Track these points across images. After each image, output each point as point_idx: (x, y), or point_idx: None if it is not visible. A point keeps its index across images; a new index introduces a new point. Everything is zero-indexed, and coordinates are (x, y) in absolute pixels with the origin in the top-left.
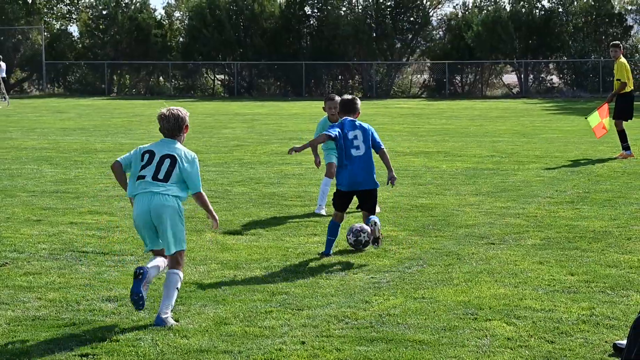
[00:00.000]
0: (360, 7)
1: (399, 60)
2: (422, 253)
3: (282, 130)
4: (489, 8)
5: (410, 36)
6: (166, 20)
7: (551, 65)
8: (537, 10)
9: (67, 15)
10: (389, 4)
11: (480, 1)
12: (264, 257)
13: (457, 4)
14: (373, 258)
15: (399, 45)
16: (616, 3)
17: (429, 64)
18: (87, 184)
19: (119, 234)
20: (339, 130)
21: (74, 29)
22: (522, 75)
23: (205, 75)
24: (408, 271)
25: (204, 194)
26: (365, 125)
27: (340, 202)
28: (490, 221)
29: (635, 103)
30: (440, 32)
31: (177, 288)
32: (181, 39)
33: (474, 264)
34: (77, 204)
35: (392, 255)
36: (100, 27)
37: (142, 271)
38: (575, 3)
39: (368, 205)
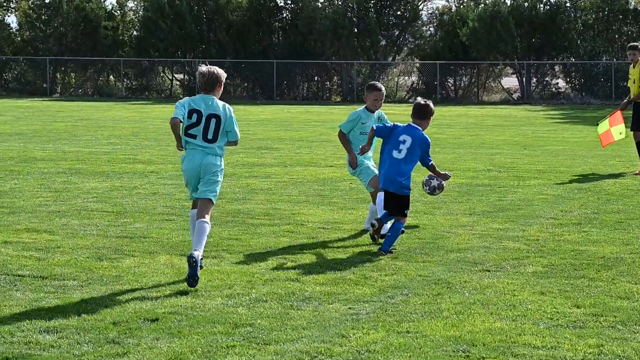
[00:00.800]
0: None
1: (383, 60)
2: (407, 281)
3: (250, 138)
4: (487, 1)
5: (396, 32)
6: (118, 11)
7: (557, 68)
8: (541, 5)
9: (4, 4)
10: None
11: None
12: (226, 283)
13: None
14: (351, 286)
15: (383, 42)
16: None
17: (417, 65)
18: (25, 198)
19: (59, 256)
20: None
21: (11, 20)
22: (524, 79)
23: (161, 74)
24: (391, 301)
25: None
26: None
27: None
28: (485, 245)
29: None
30: (431, 29)
31: (207, 233)
32: (135, 33)
33: (466, 293)
34: (12, 220)
35: (372, 282)
36: (42, 17)
37: (194, 260)
38: None
39: (393, 207)
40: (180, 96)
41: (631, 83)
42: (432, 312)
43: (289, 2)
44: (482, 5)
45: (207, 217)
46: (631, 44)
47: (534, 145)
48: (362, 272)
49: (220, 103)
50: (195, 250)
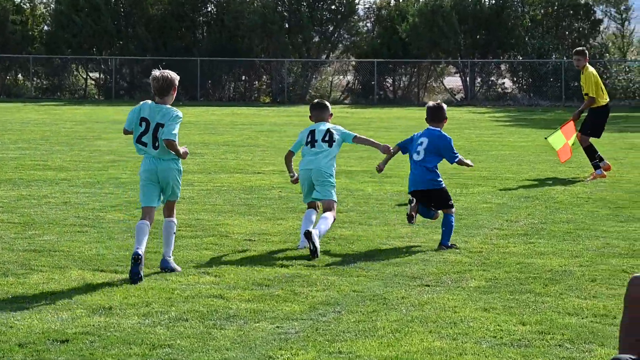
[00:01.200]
0: None
1: (316, 58)
2: (341, 297)
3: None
4: None
5: (331, 28)
6: (27, 4)
7: (503, 67)
8: None
9: None
10: None
11: None
12: (144, 300)
13: None
14: (279, 303)
15: (317, 39)
16: None
17: (353, 63)
18: None
19: None
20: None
21: None
22: (468, 78)
23: (75, 72)
24: (322, 319)
25: (175, 142)
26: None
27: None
28: (424, 258)
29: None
30: (368, 24)
31: (174, 233)
32: (46, 28)
33: (403, 310)
34: None
35: (302, 299)
36: None
37: (139, 256)
38: None
39: (435, 203)
40: (96, 97)
41: (582, 89)
42: (366, 330)
43: None
44: None
45: (174, 216)
46: (577, 49)
47: (478, 149)
48: (291, 287)
49: (171, 109)
50: (167, 257)
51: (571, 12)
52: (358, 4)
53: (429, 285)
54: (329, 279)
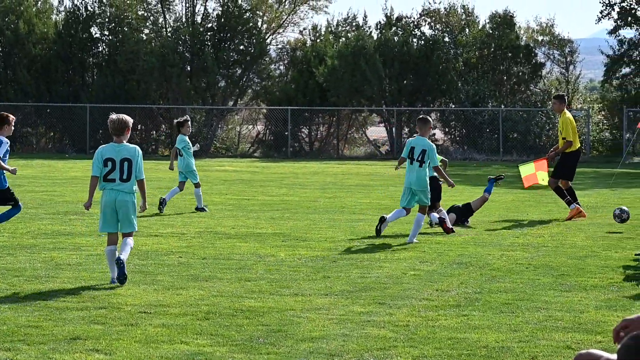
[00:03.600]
0: (169, 28)
1: (222, 105)
2: None
3: (56, 200)
4: (349, 34)
5: (239, 71)
6: None
7: (433, 116)
8: (414, 39)
9: None
10: (209, 25)
11: (337, 25)
12: None
13: (304, 28)
14: None
15: (223, 83)
16: (522, 32)
17: (264, 111)
18: None
19: None
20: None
21: None
22: (394, 128)
23: None
24: None
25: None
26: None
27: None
28: (344, 332)
29: None
30: (281, 67)
31: (131, 247)
32: None
33: None
34: None
35: None
36: None
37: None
38: (467, 31)
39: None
40: None
41: (559, 133)
42: None
43: (107, 33)
44: (344, 39)
45: (132, 240)
46: (556, 93)
47: None
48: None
49: (131, 146)
50: (120, 256)
51: (510, 54)
52: (270, 44)
53: None
54: (236, 357)
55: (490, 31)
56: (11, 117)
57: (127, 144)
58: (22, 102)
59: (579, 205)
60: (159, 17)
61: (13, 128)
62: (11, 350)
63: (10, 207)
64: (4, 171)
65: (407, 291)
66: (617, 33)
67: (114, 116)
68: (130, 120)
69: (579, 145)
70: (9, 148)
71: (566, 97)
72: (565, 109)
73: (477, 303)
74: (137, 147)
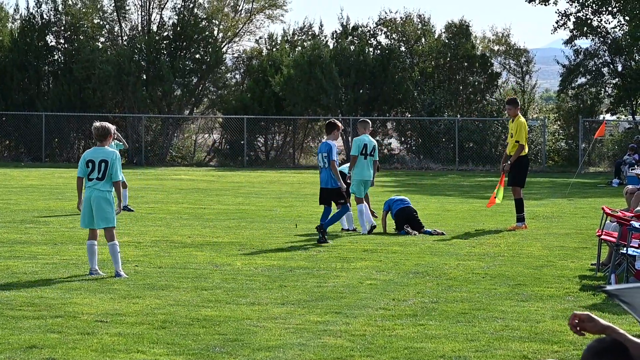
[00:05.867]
0: (125, 37)
1: (178, 114)
2: None
3: (11, 209)
4: (305, 43)
5: (195, 80)
6: None
7: (389, 125)
8: (370, 49)
9: None
10: (165, 34)
11: (293, 34)
12: None
13: (260, 37)
14: None
15: (179, 92)
16: (478, 42)
17: (220, 120)
18: None
19: None
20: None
21: None
22: (350, 138)
23: None
24: None
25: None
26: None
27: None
28: (301, 342)
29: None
30: (237, 76)
31: (118, 251)
32: None
33: None
34: None
35: None
36: None
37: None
38: (423, 41)
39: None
40: None
41: (509, 137)
42: None
43: (62, 41)
44: (299, 48)
45: (115, 239)
46: (509, 98)
47: None
48: None
49: (110, 150)
50: (118, 270)
51: (466, 64)
52: (226, 52)
53: None
54: None
55: (447, 41)
56: None
57: (107, 148)
58: None
59: (525, 225)
60: (114, 25)
61: None
62: None
63: None
64: None
65: (363, 300)
66: (572, 43)
67: (97, 124)
68: (112, 127)
69: (527, 151)
70: None
71: (519, 101)
72: (519, 112)
73: (433, 313)
74: (116, 151)
